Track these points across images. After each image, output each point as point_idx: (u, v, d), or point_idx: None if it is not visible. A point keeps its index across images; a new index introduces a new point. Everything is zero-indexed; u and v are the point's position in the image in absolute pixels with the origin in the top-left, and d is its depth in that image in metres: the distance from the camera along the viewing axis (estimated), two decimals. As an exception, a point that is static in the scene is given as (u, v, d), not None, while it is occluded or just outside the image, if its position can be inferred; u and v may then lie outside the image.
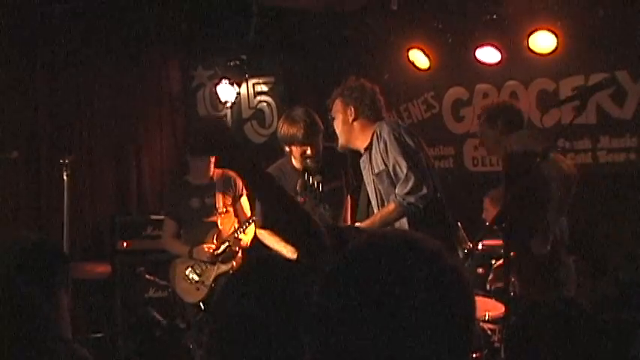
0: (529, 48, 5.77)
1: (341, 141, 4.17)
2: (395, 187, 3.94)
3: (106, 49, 6.88)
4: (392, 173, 3.86)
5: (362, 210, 4.19)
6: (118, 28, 6.90)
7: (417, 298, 1.16)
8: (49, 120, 6.46)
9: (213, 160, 5.60)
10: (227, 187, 5.64)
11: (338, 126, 4.11)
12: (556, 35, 5.61)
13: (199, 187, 5.60)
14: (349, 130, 4.09)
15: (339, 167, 4.64)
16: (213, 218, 5.55)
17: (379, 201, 4.04)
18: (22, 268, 2.30)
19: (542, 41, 5.70)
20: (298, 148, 4.44)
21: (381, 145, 3.92)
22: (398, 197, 3.81)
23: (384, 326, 1.15)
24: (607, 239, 5.40)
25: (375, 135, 3.98)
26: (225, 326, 1.83)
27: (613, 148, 5.86)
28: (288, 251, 4.53)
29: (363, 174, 4.11)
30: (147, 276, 6.03)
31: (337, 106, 4.12)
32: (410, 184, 3.77)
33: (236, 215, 5.66)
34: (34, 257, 2.36)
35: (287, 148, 4.53)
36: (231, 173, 5.71)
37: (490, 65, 6.18)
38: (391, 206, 3.88)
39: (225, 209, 5.58)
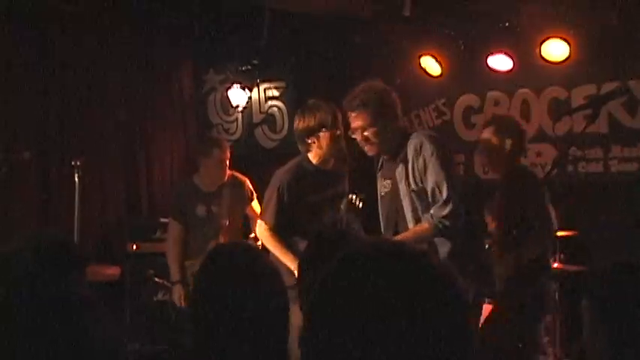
0: (541, 56, 5.76)
1: (376, 150, 4.01)
2: (430, 206, 3.87)
3: (119, 53, 6.91)
4: (429, 193, 3.81)
5: (388, 223, 4.06)
6: (130, 31, 6.93)
7: (406, 302, 1.16)
8: (61, 122, 6.49)
9: (227, 163, 5.49)
10: (237, 193, 5.52)
11: (373, 136, 3.93)
12: (568, 44, 5.61)
13: (207, 195, 5.47)
14: (388, 140, 3.96)
15: (342, 172, 4.67)
16: (218, 229, 5.42)
17: (415, 216, 3.93)
18: (43, 264, 2.33)
19: (555, 49, 5.70)
20: (327, 134, 4.41)
21: (420, 161, 3.83)
22: (435, 219, 3.75)
23: (376, 335, 1.14)
24: (617, 248, 5.37)
25: (413, 148, 3.88)
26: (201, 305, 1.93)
27: (624, 158, 5.83)
28: (287, 260, 4.40)
29: (399, 186, 3.96)
30: (156, 279, 6.04)
31: (364, 118, 3.93)
32: (449, 208, 3.71)
33: (248, 220, 5.61)
34: (55, 255, 2.40)
35: (310, 141, 4.45)
36: (241, 177, 5.63)
37: (502, 73, 6.18)
38: (425, 225, 3.81)
39: (230, 219, 5.43)
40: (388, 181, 4.05)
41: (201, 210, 5.46)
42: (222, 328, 1.91)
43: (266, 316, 1.93)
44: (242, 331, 1.90)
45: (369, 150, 4.00)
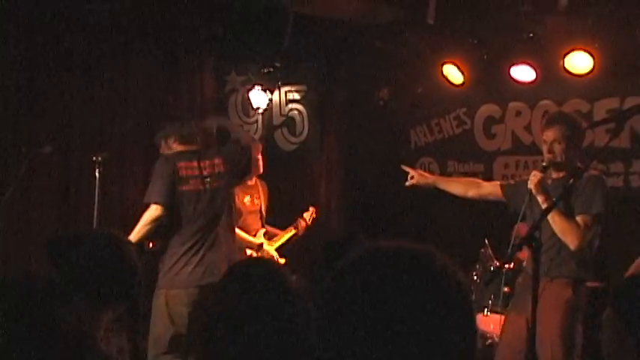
0: (564, 68, 5.73)
1: (558, 160, 4.15)
2: None
3: (142, 51, 6.94)
4: None
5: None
6: (153, 30, 6.96)
7: (412, 301, 1.17)
8: (83, 117, 6.52)
9: (260, 157, 5.85)
10: (264, 191, 6.06)
11: (561, 148, 4.12)
12: (592, 56, 5.57)
13: (248, 187, 5.93)
14: (569, 159, 4.13)
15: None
16: (261, 218, 5.96)
17: None
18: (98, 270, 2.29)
19: (578, 62, 5.66)
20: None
21: (587, 192, 4.06)
22: None
23: (384, 335, 1.16)
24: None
25: (588, 180, 4.07)
26: (208, 324, 1.91)
27: (646, 173, 5.79)
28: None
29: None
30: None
31: (567, 133, 4.14)
32: None
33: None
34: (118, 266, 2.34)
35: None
36: (262, 180, 6.09)
37: (524, 84, 6.15)
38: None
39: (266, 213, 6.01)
40: None
41: (248, 200, 5.94)
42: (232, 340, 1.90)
43: (280, 332, 1.92)
44: (251, 342, 1.89)
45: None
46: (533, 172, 4.11)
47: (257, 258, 5.38)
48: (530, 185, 4.06)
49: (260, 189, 6.04)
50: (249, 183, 5.94)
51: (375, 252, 1.26)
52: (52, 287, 1.55)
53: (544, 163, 4.13)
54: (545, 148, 4.17)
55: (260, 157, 5.90)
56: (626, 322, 1.98)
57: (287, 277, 2.03)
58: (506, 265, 5.24)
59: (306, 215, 6.28)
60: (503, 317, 5.21)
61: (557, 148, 4.10)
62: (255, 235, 5.94)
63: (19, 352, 1.43)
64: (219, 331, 1.91)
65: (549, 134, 4.14)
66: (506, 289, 5.34)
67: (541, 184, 4.05)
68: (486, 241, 5.47)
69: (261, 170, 5.94)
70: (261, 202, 6.01)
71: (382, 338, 1.16)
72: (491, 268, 5.30)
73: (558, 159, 4.10)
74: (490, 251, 5.48)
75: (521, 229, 5.63)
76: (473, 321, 1.24)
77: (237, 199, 5.83)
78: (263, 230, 6.01)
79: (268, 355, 1.88)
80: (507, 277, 5.35)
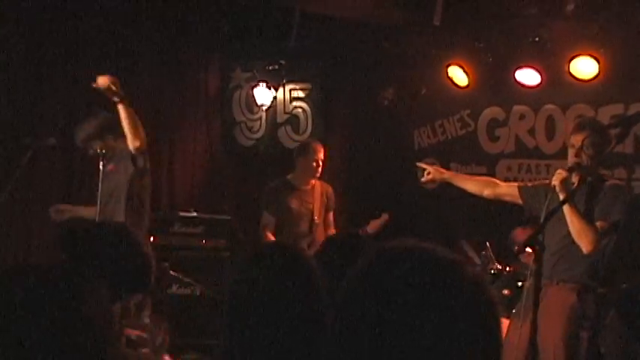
0: (570, 73, 5.73)
1: (584, 164, 4.12)
2: None
3: (147, 47, 6.94)
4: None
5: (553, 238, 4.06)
6: (159, 25, 6.97)
7: (438, 308, 1.14)
8: (87, 110, 6.51)
9: (320, 163, 5.83)
10: (324, 196, 5.95)
11: (588, 154, 4.09)
12: (598, 61, 5.57)
13: (301, 191, 5.88)
14: (594, 166, 4.13)
15: None
16: (312, 225, 5.84)
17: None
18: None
19: (584, 67, 5.66)
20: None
21: (608, 199, 4.06)
22: None
23: (406, 339, 1.13)
24: None
25: (609, 187, 4.11)
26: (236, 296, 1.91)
27: (648, 179, 5.79)
28: None
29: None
30: (171, 272, 6.06)
31: (595, 139, 4.10)
32: None
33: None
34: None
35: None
36: (327, 185, 6.03)
37: (529, 87, 6.15)
38: None
39: (319, 220, 5.88)
40: None
41: (295, 204, 5.84)
42: (255, 327, 1.90)
43: (298, 316, 1.92)
44: (275, 331, 1.89)
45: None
46: (559, 170, 4.09)
47: (284, 244, 5.20)
48: (555, 182, 4.03)
49: (317, 194, 5.92)
50: (304, 187, 5.88)
51: (396, 259, 1.21)
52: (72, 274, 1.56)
53: (569, 165, 4.11)
54: (571, 152, 4.15)
55: (320, 159, 5.80)
56: (630, 328, 1.99)
57: (312, 266, 2.02)
58: (507, 268, 5.24)
59: (375, 222, 5.92)
60: (503, 320, 5.22)
61: (584, 153, 4.09)
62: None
63: (44, 339, 1.44)
64: (240, 319, 1.91)
65: (578, 138, 4.12)
66: (506, 291, 5.35)
67: (565, 182, 4.06)
68: (487, 243, 5.47)
69: (317, 174, 5.85)
70: (314, 208, 5.86)
71: (403, 355, 1.13)
72: (492, 271, 5.30)
73: (584, 163, 4.09)
74: (491, 254, 5.48)
75: (519, 233, 5.65)
76: (500, 340, 1.20)
77: (282, 202, 5.85)
78: (309, 237, 5.83)
79: (292, 341, 1.88)
80: (508, 280, 5.35)
